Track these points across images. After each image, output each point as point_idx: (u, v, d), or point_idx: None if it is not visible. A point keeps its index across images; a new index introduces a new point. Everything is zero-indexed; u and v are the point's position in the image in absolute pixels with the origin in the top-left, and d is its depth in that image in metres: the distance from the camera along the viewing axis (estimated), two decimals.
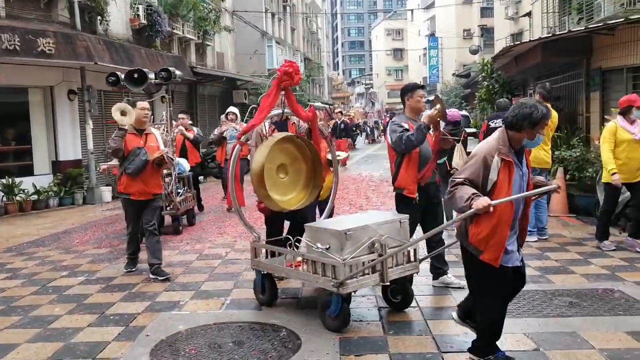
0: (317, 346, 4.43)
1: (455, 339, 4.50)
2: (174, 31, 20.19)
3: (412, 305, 5.24)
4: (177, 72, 9.45)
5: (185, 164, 10.25)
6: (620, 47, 11.35)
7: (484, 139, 9.43)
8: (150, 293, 6.04)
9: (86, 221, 11.17)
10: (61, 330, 5.01)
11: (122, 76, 9.34)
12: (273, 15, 38.19)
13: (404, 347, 4.37)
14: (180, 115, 11.25)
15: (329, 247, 4.58)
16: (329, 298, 4.69)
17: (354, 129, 30.98)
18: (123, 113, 6.44)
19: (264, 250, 5.70)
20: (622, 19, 10.52)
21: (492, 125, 9.88)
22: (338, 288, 4.50)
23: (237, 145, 5.40)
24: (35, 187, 13.28)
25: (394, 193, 5.83)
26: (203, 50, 24.23)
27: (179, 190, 9.65)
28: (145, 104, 6.67)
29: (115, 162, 7.93)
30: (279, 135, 5.67)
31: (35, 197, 13.10)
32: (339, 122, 21.08)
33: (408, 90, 5.84)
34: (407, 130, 5.46)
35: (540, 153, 7.90)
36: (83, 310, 5.58)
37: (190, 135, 10.96)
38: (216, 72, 24.03)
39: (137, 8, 16.98)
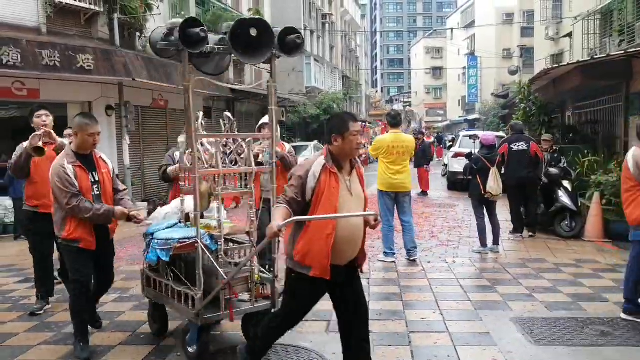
0: None
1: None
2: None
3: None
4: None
5: None
6: None
7: (502, 161, 9.42)
8: None
9: (121, 237, 10.88)
10: (92, 349, 4.96)
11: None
12: (312, 32, 38.48)
13: None
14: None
15: None
16: None
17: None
18: None
19: None
20: None
21: (515, 148, 9.80)
22: None
23: None
24: None
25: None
26: (241, 67, 24.46)
27: None
28: None
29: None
30: None
31: None
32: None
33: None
34: None
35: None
36: (115, 328, 5.57)
37: None
38: (254, 90, 24.19)
39: None
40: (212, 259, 4.44)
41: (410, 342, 5.01)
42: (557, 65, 14.79)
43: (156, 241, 4.74)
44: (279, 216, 3.68)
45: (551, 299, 6.31)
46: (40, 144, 5.61)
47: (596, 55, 14.46)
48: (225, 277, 4.31)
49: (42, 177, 5.79)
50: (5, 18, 11.69)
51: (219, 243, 4.61)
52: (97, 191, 4.88)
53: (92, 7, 13.36)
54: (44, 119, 6.10)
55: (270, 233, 3.55)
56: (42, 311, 6.11)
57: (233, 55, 4.76)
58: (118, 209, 4.87)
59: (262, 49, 4.53)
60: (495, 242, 8.97)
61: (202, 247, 4.47)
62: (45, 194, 5.74)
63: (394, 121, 8.37)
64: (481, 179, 8.81)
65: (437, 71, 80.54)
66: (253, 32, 4.46)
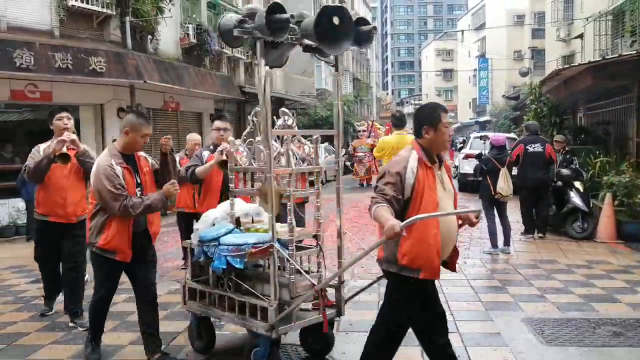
0: None
1: None
2: (223, 50, 20.49)
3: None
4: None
5: None
6: None
7: (515, 162, 9.40)
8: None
9: None
10: (103, 348, 4.94)
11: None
12: None
13: None
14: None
15: None
16: None
17: None
18: None
19: None
20: None
21: (531, 149, 9.76)
22: None
23: None
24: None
25: None
26: (252, 69, 24.52)
27: None
28: None
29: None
30: None
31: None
32: None
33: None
34: None
35: None
36: (125, 328, 5.58)
37: None
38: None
39: (187, 27, 17.32)
40: (295, 264, 4.11)
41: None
42: (568, 66, 14.73)
43: (225, 247, 4.21)
44: (390, 215, 3.30)
45: (563, 300, 6.28)
46: (64, 149, 5.31)
47: (607, 56, 14.36)
48: (315, 283, 4.03)
49: (56, 184, 5.62)
50: (19, 21, 11.80)
51: (290, 247, 4.22)
52: (139, 195, 4.46)
53: (104, 10, 13.46)
54: (66, 122, 5.66)
55: (391, 233, 3.15)
56: (53, 311, 6.13)
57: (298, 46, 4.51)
58: (165, 188, 4.46)
59: (342, 38, 4.15)
60: (506, 243, 8.94)
61: (278, 252, 4.06)
62: (57, 202, 5.62)
63: (399, 122, 8.33)
64: (491, 180, 8.78)
65: (447, 73, 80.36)
66: (336, 20, 4.06)
